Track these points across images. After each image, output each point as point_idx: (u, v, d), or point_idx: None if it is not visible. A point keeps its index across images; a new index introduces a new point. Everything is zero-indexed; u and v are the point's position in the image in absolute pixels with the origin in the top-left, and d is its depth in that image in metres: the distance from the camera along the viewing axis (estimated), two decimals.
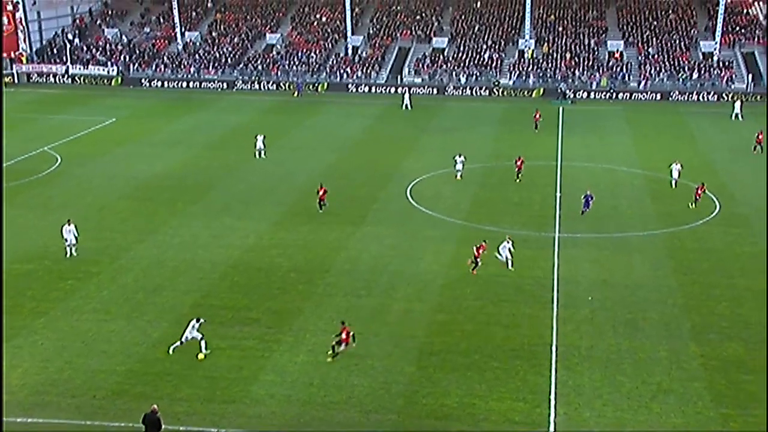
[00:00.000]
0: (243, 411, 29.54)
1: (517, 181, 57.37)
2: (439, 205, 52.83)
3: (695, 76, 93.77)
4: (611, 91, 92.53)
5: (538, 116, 76.47)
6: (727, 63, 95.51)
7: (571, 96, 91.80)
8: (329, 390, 30.82)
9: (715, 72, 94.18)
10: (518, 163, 58.17)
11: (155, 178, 59.17)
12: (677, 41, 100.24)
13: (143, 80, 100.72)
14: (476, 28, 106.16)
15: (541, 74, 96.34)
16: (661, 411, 29.47)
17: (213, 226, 48.77)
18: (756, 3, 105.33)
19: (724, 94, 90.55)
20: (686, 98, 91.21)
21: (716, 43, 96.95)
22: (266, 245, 45.66)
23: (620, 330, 35.65)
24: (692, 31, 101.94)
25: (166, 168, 61.75)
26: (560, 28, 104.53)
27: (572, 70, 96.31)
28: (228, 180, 58.79)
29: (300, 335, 35.06)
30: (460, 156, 58.62)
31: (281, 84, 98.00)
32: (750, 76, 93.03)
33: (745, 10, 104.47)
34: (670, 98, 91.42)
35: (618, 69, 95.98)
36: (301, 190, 55.47)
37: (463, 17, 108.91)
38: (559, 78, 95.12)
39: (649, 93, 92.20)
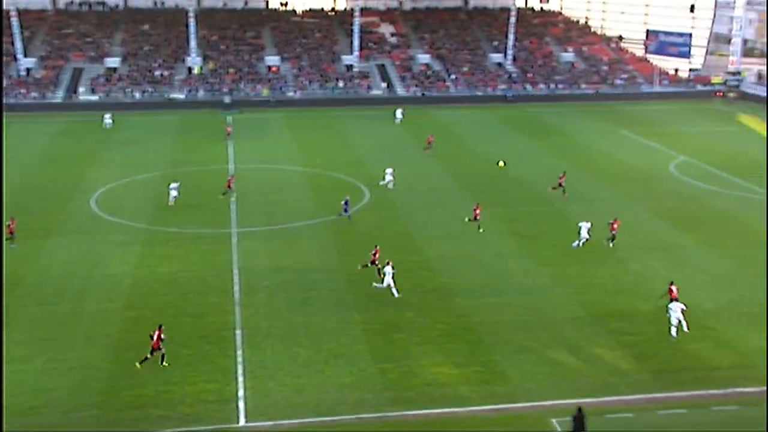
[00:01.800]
0: None
1: (222, 197, 53.83)
2: (122, 212, 50.55)
3: (341, 85, 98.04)
4: (272, 100, 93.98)
5: (229, 130, 74.88)
6: (365, 73, 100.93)
7: (238, 107, 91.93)
8: (27, 397, 28.39)
9: (357, 81, 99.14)
10: (229, 179, 55.37)
11: None
12: (324, 56, 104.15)
13: None
14: (146, 48, 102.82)
15: (209, 88, 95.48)
16: (333, 373, 30.55)
17: None
18: (383, 23, 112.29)
19: (365, 100, 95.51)
20: (335, 104, 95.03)
21: (355, 57, 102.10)
22: None
23: (295, 308, 36.42)
24: (335, 47, 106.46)
25: None
26: (223, 47, 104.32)
27: (237, 83, 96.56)
28: None
29: None
30: (175, 182, 53.22)
31: None
32: (384, 84, 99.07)
33: (375, 30, 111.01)
34: (322, 105, 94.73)
35: (276, 81, 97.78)
36: None
37: (132, 38, 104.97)
38: (226, 91, 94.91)
39: (304, 101, 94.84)
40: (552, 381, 30.03)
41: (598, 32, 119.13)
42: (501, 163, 38.52)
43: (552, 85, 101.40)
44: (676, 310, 33.73)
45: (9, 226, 44.57)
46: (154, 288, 38.28)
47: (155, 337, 30.63)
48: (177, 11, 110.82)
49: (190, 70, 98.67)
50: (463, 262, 42.37)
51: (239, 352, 31.97)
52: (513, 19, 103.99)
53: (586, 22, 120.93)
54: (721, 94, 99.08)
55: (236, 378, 30.01)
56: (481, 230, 47.10)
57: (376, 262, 39.99)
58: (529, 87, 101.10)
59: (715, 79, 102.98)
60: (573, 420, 26.25)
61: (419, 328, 34.51)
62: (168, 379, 29.76)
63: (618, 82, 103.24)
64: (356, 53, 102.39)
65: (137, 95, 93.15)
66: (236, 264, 41.64)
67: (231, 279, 39.65)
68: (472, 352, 32.31)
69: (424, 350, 32.48)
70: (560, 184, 55.18)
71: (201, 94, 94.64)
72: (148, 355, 30.62)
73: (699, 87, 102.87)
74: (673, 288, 35.85)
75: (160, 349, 30.63)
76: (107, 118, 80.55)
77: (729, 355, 32.02)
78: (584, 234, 44.46)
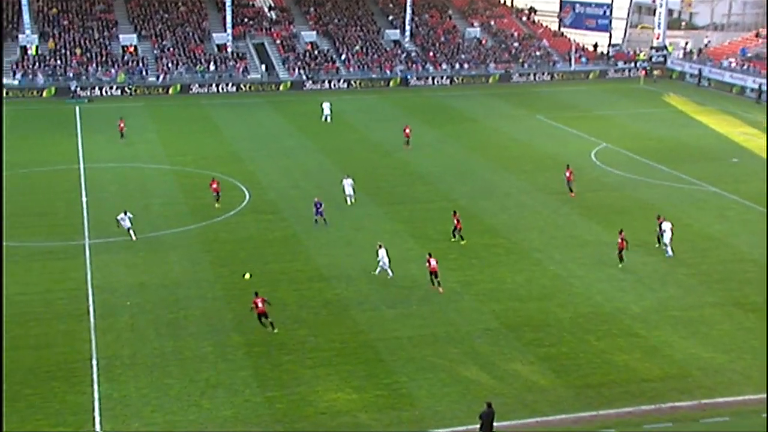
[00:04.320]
0: None
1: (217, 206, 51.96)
2: None
3: (212, 68, 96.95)
4: (130, 86, 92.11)
5: (122, 125, 71.45)
6: (240, 54, 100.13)
7: (87, 94, 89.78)
8: None
9: (231, 63, 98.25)
10: (213, 184, 52.82)
11: None
12: (191, 34, 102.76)
13: None
14: None
15: (50, 72, 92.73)
16: (212, 406, 30.19)
17: None
18: None
19: (241, 85, 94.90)
20: (206, 90, 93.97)
21: (228, 34, 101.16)
22: None
23: (163, 332, 35.84)
24: (204, 24, 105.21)
25: None
26: (66, 22, 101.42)
27: (85, 66, 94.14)
28: None
29: None
30: (126, 213, 46.91)
31: None
32: (263, 66, 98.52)
33: (251, 3, 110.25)
34: (191, 91, 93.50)
35: (134, 63, 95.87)
36: None
37: None
38: (72, 75, 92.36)
39: (169, 87, 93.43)
40: (465, 402, 30.50)
41: (508, 4, 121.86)
42: (247, 276, 40.58)
43: (456, 65, 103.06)
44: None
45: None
46: None
47: (258, 305, 34.96)
48: None
49: (25, 50, 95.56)
50: (358, 269, 42.59)
51: (95, 387, 31.19)
52: None
53: None
54: (645, 72, 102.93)
55: (92, 418, 29.24)
56: (463, 242, 46.40)
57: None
58: (430, 67, 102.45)
59: (638, 55, 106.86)
60: (480, 417, 27.01)
61: (311, 348, 34.51)
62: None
63: (531, 60, 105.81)
64: (229, 31, 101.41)
65: None
66: (91, 282, 40.66)
67: (85, 300, 38.69)
68: (372, 374, 32.51)
69: (318, 374, 32.49)
70: (569, 181, 54.88)
71: (40, 79, 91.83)
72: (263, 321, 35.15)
73: (621, 64, 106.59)
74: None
75: (267, 316, 35.08)
76: None
77: (660, 365, 33.24)
78: (668, 237, 44.02)
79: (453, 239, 46.56)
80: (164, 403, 30.36)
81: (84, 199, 53.94)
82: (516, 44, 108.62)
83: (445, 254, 44.61)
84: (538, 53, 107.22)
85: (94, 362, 33.07)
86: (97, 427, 28.79)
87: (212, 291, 39.95)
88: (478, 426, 27.20)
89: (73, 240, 46.55)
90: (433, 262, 39.92)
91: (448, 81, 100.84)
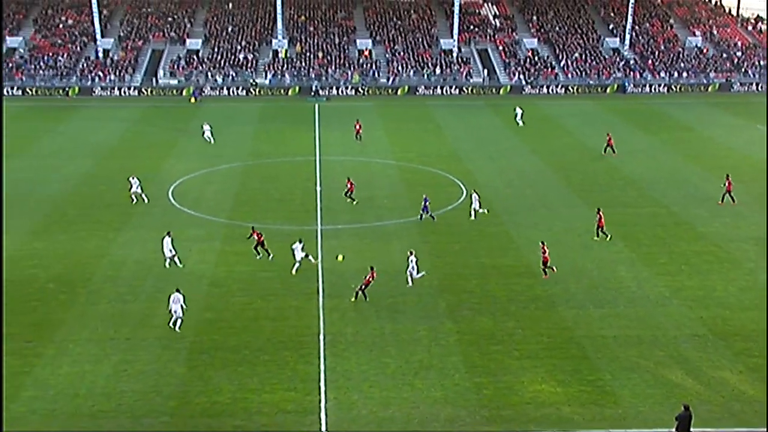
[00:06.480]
0: None
1: (354, 203, 54.28)
2: (201, 205, 51.97)
3: (438, 71, 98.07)
4: (363, 87, 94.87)
5: (358, 127, 72.16)
6: (465, 59, 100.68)
7: (326, 93, 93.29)
8: (97, 399, 29.49)
9: (455, 67, 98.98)
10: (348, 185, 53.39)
11: None
12: (420, 39, 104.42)
13: None
14: (230, 29, 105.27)
15: (295, 73, 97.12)
16: (423, 386, 30.62)
17: None
18: (486, 4, 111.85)
19: (464, 88, 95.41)
20: (431, 92, 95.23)
21: (454, 40, 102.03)
22: (20, 257, 42.86)
23: (383, 314, 36.66)
24: (433, 30, 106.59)
25: None
26: (311, 28, 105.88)
27: (325, 68, 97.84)
28: None
29: (63, 346, 33.28)
30: (301, 241, 42.53)
31: (27, 89, 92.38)
32: (485, 71, 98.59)
33: (477, 11, 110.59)
34: (417, 92, 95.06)
35: (368, 66, 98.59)
36: (56, 198, 52.64)
37: (215, 18, 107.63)
38: (313, 76, 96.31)
39: (398, 88, 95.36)
40: (668, 404, 29.30)
41: (732, 12, 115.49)
42: (340, 258, 40.73)
43: (675, 74, 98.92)
44: None
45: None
46: (232, 288, 39.19)
47: (371, 278, 37.54)
48: None
49: (276, 53, 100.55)
50: (568, 268, 41.81)
51: (321, 360, 32.46)
52: None
53: (718, 1, 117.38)
54: None
55: (318, 388, 30.45)
56: (596, 238, 46.03)
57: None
58: (648, 75, 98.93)
59: None
60: (677, 419, 26.30)
61: (518, 340, 34.27)
62: (244, 386, 30.45)
63: (754, 70, 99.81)
64: (455, 37, 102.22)
65: (219, 80, 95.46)
66: (320, 264, 42.22)
67: (315, 280, 40.24)
68: (577, 369, 31.88)
69: (524, 365, 32.25)
70: (729, 192, 52.57)
71: (287, 79, 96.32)
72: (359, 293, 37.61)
73: None
74: None
75: (363, 290, 37.45)
76: (207, 131, 71.07)
77: None
78: None
79: (596, 237, 45.86)
80: (381, 379, 31.10)
81: (318, 188, 56.06)
82: (739, 53, 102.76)
83: (655, 259, 43.09)
84: (762, 63, 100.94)
85: (321, 337, 34.36)
86: (322, 396, 29.94)
87: (428, 280, 40.36)
88: (674, 428, 26.30)
89: (307, 225, 48.50)
90: (547, 251, 40.65)
91: (666, 89, 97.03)
